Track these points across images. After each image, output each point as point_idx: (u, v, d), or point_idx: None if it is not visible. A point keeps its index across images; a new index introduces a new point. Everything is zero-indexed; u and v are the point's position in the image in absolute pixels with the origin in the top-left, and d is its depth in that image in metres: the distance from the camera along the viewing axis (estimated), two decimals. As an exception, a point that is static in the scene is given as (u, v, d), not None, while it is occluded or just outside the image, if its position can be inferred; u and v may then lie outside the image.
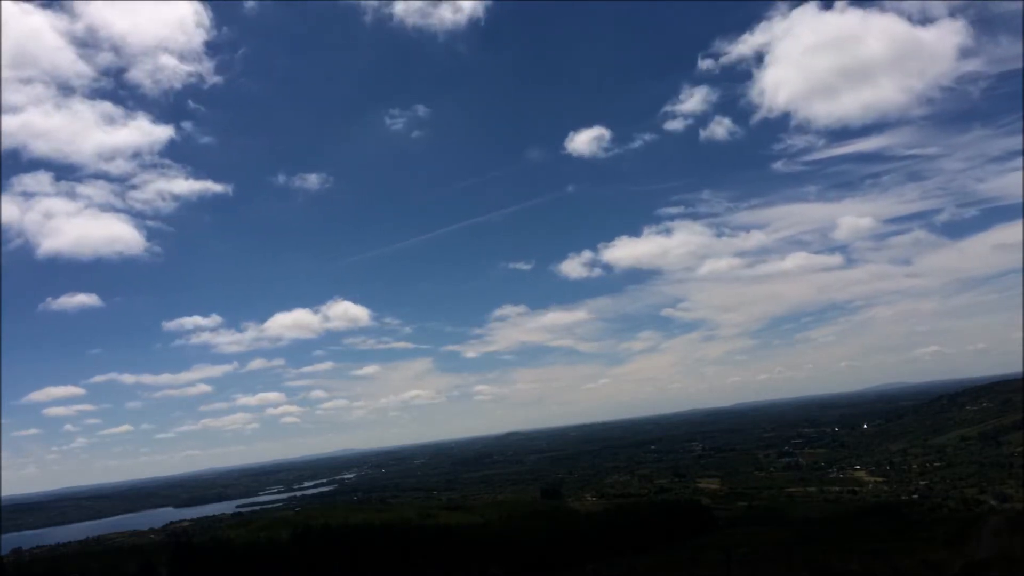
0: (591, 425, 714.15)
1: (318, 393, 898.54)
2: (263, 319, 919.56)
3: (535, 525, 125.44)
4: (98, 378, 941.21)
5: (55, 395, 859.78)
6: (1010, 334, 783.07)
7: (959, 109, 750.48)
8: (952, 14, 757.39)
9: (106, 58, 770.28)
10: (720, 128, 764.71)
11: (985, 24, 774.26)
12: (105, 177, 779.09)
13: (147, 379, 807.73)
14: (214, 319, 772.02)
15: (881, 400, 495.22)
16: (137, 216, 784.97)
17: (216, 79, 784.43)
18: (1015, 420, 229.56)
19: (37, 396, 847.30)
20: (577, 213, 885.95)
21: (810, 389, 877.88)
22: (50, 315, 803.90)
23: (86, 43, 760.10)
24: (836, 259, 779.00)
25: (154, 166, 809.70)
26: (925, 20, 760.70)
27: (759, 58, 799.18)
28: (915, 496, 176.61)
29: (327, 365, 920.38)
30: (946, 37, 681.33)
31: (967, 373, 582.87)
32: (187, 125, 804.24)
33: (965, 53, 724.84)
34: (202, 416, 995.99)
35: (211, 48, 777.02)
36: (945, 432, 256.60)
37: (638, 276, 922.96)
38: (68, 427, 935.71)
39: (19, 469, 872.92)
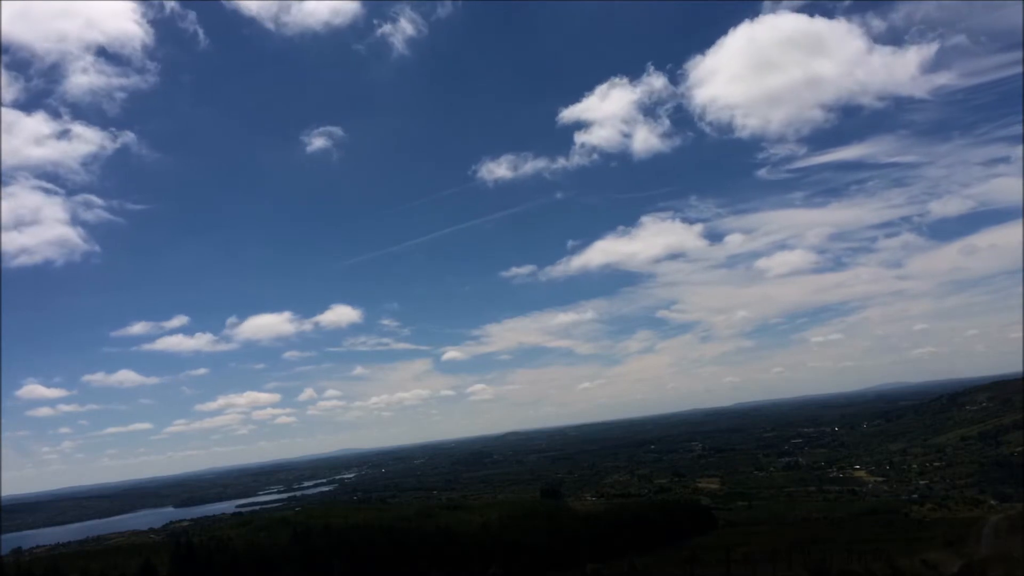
0: (590, 425, 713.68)
1: (316, 393, 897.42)
2: (261, 320, 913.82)
3: (535, 525, 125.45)
4: (86, 378, 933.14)
5: (38, 395, 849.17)
6: (1008, 334, 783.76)
7: (936, 120, 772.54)
8: (920, 28, 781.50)
9: (40, 71, 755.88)
10: (703, 136, 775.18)
11: (955, 40, 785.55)
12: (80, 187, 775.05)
13: (139, 380, 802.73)
14: (210, 321, 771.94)
15: (881, 400, 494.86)
16: (92, 225, 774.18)
17: (164, 89, 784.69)
18: (1015, 420, 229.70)
19: (15, 401, 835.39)
20: (570, 218, 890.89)
21: (810, 389, 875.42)
22: (30, 317, 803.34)
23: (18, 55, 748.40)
24: (827, 262, 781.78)
25: (126, 173, 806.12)
26: (895, 37, 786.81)
27: (734, 68, 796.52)
28: (915, 496, 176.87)
29: (326, 366, 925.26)
30: (918, 52, 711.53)
31: (966, 373, 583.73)
32: (138, 134, 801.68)
33: (937, 66, 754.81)
34: (199, 416, 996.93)
35: (153, 60, 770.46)
36: (945, 432, 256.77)
37: (631, 278, 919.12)
38: (52, 429, 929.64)
39: (18, 469, 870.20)
